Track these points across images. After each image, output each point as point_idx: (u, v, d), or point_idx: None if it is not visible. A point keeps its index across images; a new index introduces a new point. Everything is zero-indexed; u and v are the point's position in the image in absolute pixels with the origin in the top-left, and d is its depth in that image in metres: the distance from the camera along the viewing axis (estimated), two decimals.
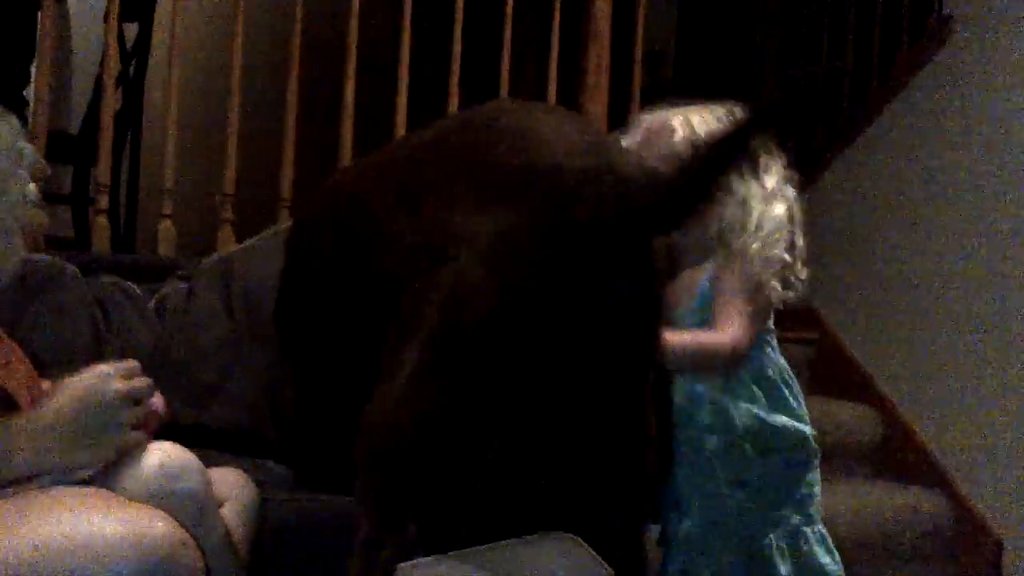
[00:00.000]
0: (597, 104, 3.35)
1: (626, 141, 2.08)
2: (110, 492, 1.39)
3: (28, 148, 1.65)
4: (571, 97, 3.39)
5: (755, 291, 1.96)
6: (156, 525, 1.32)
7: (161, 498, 1.41)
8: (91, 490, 1.39)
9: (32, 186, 1.66)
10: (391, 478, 1.43)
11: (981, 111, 3.72)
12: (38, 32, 2.77)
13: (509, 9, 3.33)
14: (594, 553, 1.49)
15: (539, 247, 1.39)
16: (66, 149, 3.95)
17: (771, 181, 2.02)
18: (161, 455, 1.49)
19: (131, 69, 4.19)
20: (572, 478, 1.58)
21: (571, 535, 1.51)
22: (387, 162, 1.64)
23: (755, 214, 1.99)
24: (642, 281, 1.46)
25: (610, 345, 1.48)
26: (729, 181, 1.70)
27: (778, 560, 2.01)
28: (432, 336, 1.39)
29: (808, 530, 2.07)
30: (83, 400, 1.43)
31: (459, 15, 3.24)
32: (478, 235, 1.40)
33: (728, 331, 1.91)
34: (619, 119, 3.60)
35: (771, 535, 2.01)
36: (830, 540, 2.10)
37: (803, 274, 2.07)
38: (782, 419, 2.04)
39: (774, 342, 2.08)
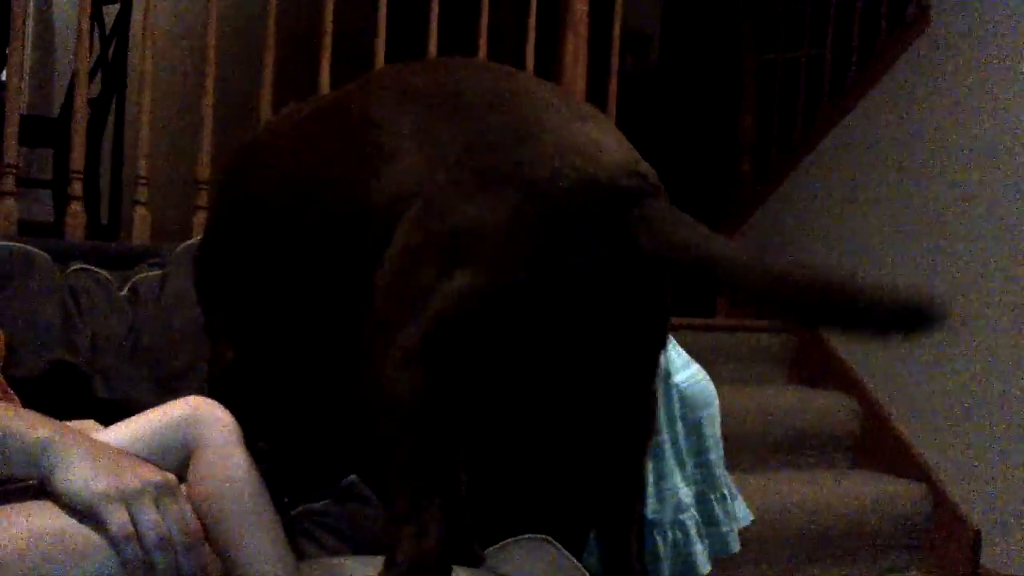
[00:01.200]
0: (576, 88, 3.34)
1: None
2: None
3: None
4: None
5: None
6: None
7: None
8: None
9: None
10: (413, 452, 1.40)
11: (960, 98, 3.73)
12: (12, 12, 2.74)
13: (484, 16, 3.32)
14: (567, 553, 1.49)
15: (546, 242, 1.38)
16: (46, 133, 3.94)
17: None
18: None
19: (111, 52, 4.19)
20: (572, 471, 1.59)
21: (544, 536, 1.51)
22: (405, 99, 1.55)
23: None
24: (638, 262, 1.43)
25: (623, 336, 1.48)
26: None
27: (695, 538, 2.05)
28: (437, 318, 1.37)
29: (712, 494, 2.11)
30: None
31: (435, 4, 3.24)
32: (490, 223, 1.38)
33: None
34: (598, 105, 3.62)
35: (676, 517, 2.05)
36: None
37: None
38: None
39: None
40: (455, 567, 1.38)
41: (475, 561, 1.71)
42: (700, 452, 2.15)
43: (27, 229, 2.90)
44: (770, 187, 4.49)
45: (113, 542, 1.19)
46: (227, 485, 1.39)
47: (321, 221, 1.57)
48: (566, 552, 1.78)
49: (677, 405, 2.11)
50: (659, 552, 2.07)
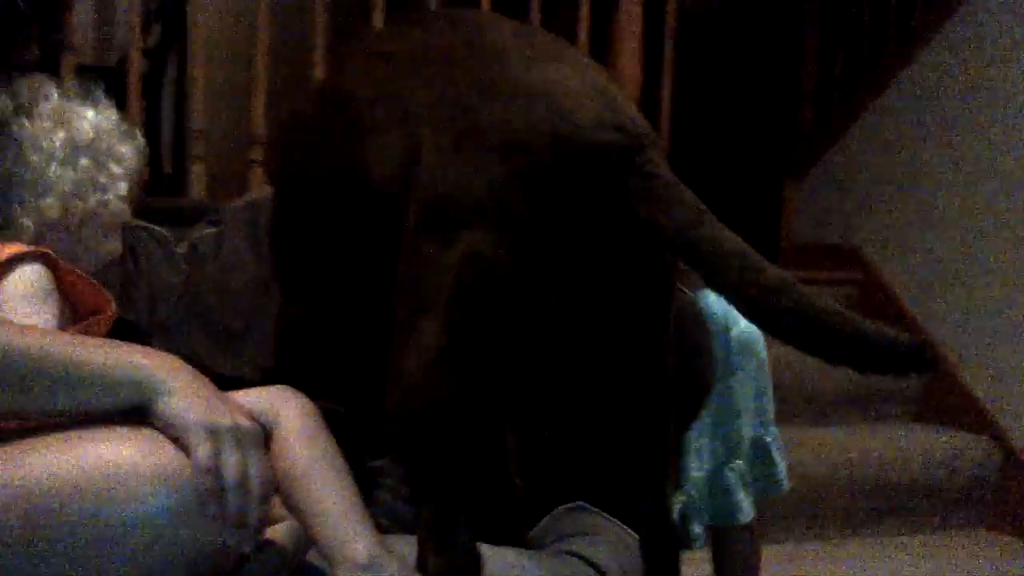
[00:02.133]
0: (631, 40, 3.30)
1: None
2: (155, 431, 1.29)
3: (129, 150, 1.70)
4: (603, 34, 3.34)
5: None
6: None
7: None
8: (131, 427, 1.28)
9: (124, 184, 1.70)
10: (437, 460, 1.40)
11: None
12: None
13: None
14: (608, 516, 1.49)
15: (553, 207, 1.36)
16: (108, 82, 3.95)
17: None
18: None
19: (168, 2, 4.19)
20: (597, 441, 1.58)
21: (581, 504, 1.50)
22: (371, 65, 1.56)
23: None
24: (651, 223, 1.40)
25: (628, 299, 1.46)
26: None
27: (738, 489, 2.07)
28: (448, 311, 1.35)
29: (770, 441, 2.11)
30: None
31: None
32: (489, 203, 1.36)
33: None
34: (655, 47, 3.59)
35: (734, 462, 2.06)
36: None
37: None
38: (707, 296, 2.05)
39: None
40: (506, 548, 1.38)
41: (522, 542, 1.71)
42: (757, 395, 2.15)
43: None
44: (832, 136, 4.40)
45: (195, 469, 1.21)
46: (308, 461, 1.38)
47: (343, 199, 1.57)
48: (607, 515, 1.78)
49: (736, 352, 2.12)
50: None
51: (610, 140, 1.35)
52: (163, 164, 4.05)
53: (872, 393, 3.78)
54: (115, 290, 2.25)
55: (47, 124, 1.63)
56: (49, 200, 1.63)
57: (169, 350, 2.20)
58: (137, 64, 2.87)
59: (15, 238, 1.60)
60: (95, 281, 1.67)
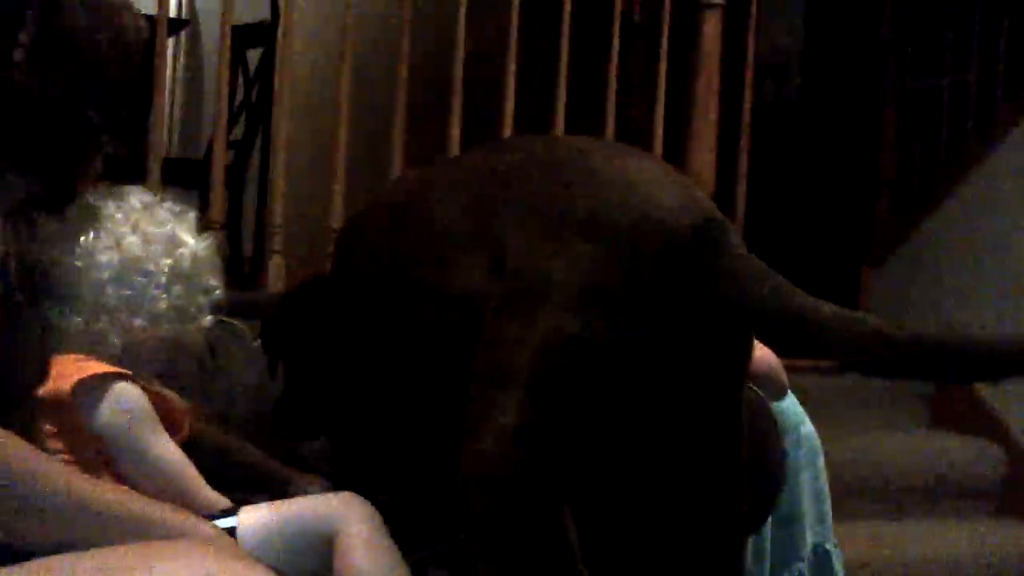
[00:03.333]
0: (706, 134, 3.32)
1: None
2: (202, 542, 1.31)
3: (216, 282, 1.71)
4: (679, 128, 3.37)
5: None
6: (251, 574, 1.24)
7: None
8: (180, 540, 1.31)
9: (207, 316, 1.71)
10: (509, 536, 1.41)
11: None
12: (155, 59, 2.83)
13: (616, 38, 3.33)
14: None
15: (636, 288, 1.38)
16: (191, 175, 4.06)
17: None
18: None
19: (253, 95, 4.31)
20: (666, 531, 1.58)
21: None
22: (456, 182, 1.60)
23: None
24: (738, 299, 1.41)
25: (705, 380, 1.47)
26: None
27: None
28: (533, 382, 1.38)
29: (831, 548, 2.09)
30: None
31: (564, 45, 3.25)
32: (575, 280, 1.39)
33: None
34: (731, 137, 3.60)
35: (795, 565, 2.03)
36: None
37: None
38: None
39: None
40: None
41: None
42: (819, 499, 2.13)
43: None
44: (911, 226, 4.36)
45: None
46: (370, 569, 1.40)
47: (406, 315, 1.60)
48: None
49: (804, 452, 2.11)
50: None
51: (690, 223, 1.39)
52: (243, 255, 4.13)
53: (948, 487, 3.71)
54: (192, 386, 2.31)
55: (156, 248, 1.64)
56: (139, 322, 1.63)
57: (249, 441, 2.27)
58: (221, 156, 2.95)
59: (93, 353, 1.61)
60: (167, 396, 1.69)
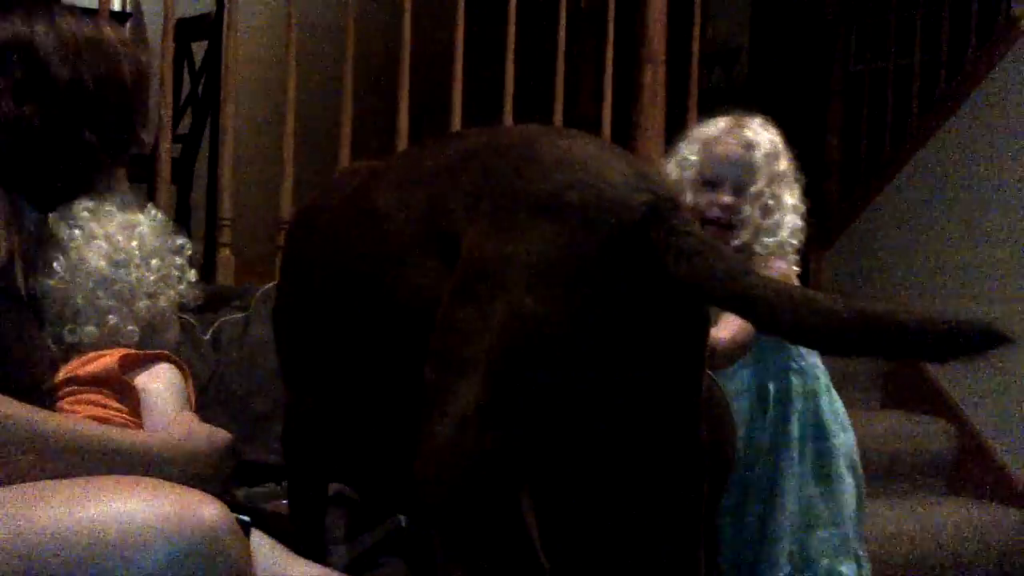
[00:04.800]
0: (654, 119, 3.34)
1: (685, 150, 2.15)
2: (160, 480, 1.35)
3: (183, 240, 1.84)
4: (627, 116, 3.38)
5: None
6: (203, 509, 1.27)
7: None
8: (136, 477, 1.36)
9: (192, 271, 1.84)
10: (471, 519, 1.40)
11: None
12: None
13: (562, 26, 3.34)
14: None
15: (592, 266, 1.38)
16: (139, 169, 4.03)
17: (797, 194, 2.16)
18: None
19: (200, 89, 4.27)
20: (622, 499, 1.58)
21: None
22: (404, 180, 1.60)
23: (798, 230, 2.12)
24: (692, 278, 1.42)
25: (664, 358, 1.48)
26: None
27: None
28: (492, 367, 1.37)
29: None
30: None
31: (511, 32, 3.25)
32: (530, 260, 1.38)
33: (727, 329, 1.96)
34: (678, 123, 3.62)
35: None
36: None
37: None
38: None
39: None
40: None
41: None
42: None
43: None
44: (858, 207, 4.42)
45: None
46: None
47: (359, 308, 1.59)
48: None
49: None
50: None
51: (642, 200, 1.38)
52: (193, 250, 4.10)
53: (901, 466, 3.75)
54: None
55: (119, 239, 1.74)
56: (142, 303, 1.74)
57: None
58: (167, 150, 2.93)
59: (120, 345, 1.71)
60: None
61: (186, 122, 4.18)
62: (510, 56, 3.25)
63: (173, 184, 3.27)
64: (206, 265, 3.75)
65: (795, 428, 2.13)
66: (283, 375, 1.98)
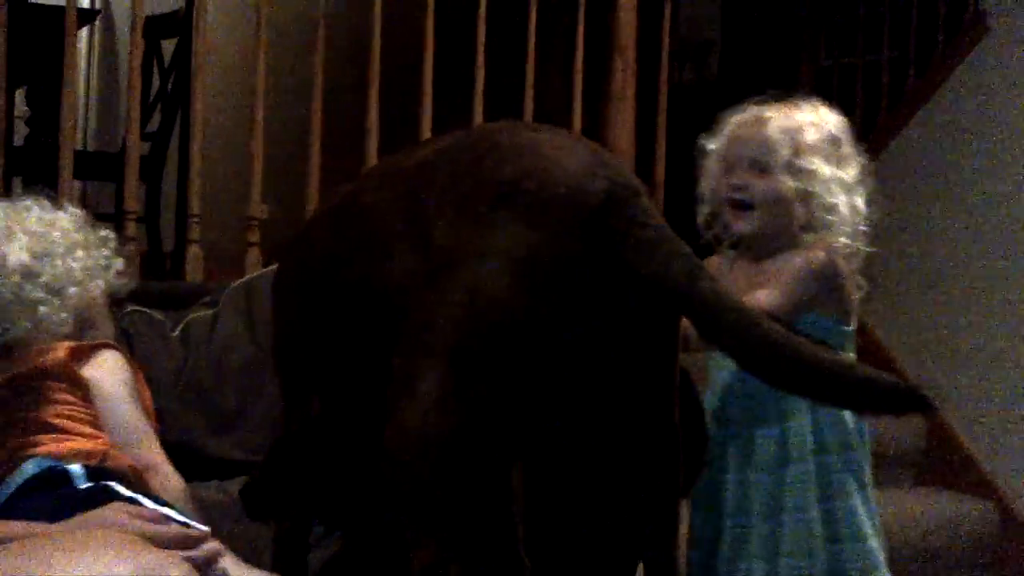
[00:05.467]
0: (624, 113, 3.34)
1: (714, 144, 2.07)
2: (136, 537, 1.36)
3: (106, 232, 1.88)
4: (596, 108, 3.39)
5: (817, 279, 1.91)
6: (171, 570, 1.29)
7: None
8: (117, 533, 1.37)
9: (119, 260, 1.88)
10: (436, 505, 1.41)
11: (1022, 107, 3.65)
12: (65, 51, 2.80)
13: (533, 23, 3.34)
14: None
15: (549, 252, 1.39)
16: (109, 168, 4.01)
17: (852, 171, 2.02)
18: None
19: (169, 85, 4.26)
20: (601, 482, 1.59)
21: None
22: (386, 182, 1.62)
23: (841, 206, 1.98)
24: (647, 274, 1.42)
25: (632, 342, 1.48)
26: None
27: None
28: (453, 349, 1.39)
29: None
30: None
31: (481, 29, 3.25)
32: (489, 247, 1.40)
33: (766, 297, 1.84)
34: (648, 119, 3.63)
35: None
36: None
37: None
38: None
39: (851, 345, 2.00)
40: None
41: None
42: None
43: None
44: None
45: None
46: None
47: (353, 308, 1.60)
48: None
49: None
50: None
51: (600, 187, 1.39)
52: (163, 245, 4.09)
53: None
54: None
55: (40, 232, 1.77)
56: (71, 290, 1.76)
57: (165, 436, 2.24)
58: (136, 148, 2.92)
59: (58, 336, 1.74)
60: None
61: (156, 119, 4.17)
62: (480, 49, 3.25)
63: (143, 181, 3.26)
64: (175, 261, 3.75)
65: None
66: (283, 393, 1.97)
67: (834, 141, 2.03)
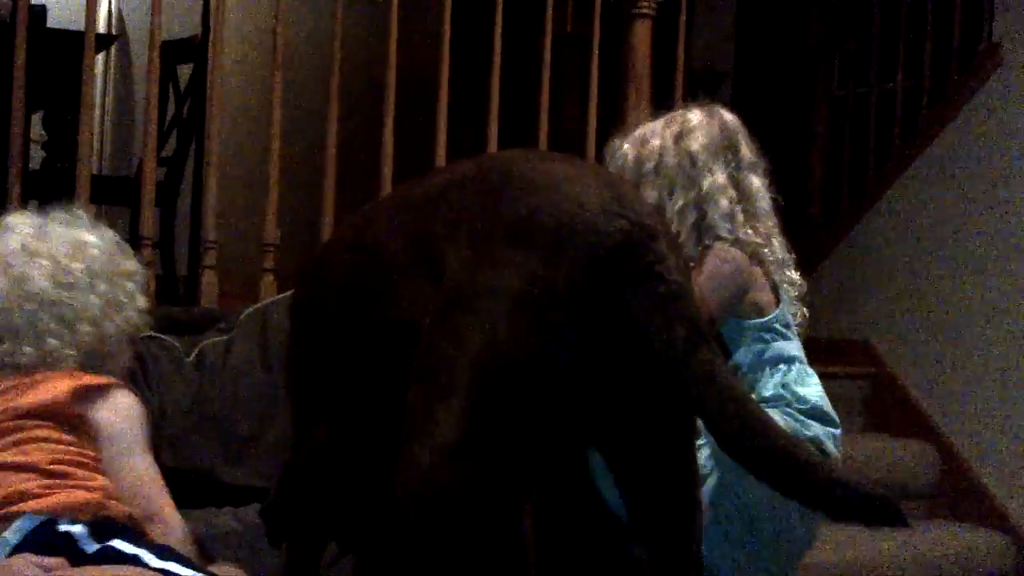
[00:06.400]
0: None
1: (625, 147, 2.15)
2: None
3: (134, 264, 1.82)
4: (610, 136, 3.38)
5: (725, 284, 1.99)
6: None
7: None
8: None
9: (143, 298, 1.82)
10: (450, 549, 1.39)
11: None
12: (83, 75, 2.81)
13: (547, 52, 3.35)
14: None
15: (565, 292, 1.38)
16: (124, 192, 4.02)
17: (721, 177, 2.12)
18: None
19: (185, 111, 4.27)
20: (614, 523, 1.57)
21: None
22: (397, 211, 1.61)
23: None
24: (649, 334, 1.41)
25: (647, 379, 1.46)
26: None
27: None
28: (470, 393, 1.37)
29: None
30: None
31: (496, 58, 3.26)
32: (505, 288, 1.38)
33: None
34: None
35: None
36: None
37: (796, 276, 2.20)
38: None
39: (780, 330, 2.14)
40: None
41: None
42: None
43: None
44: (841, 231, 4.42)
45: None
46: None
47: (364, 338, 1.60)
48: None
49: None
50: None
51: (617, 227, 1.37)
52: (177, 270, 4.09)
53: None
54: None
55: (65, 260, 1.71)
56: (84, 328, 1.70)
57: (178, 463, 2.23)
58: (151, 172, 2.92)
59: (59, 368, 1.67)
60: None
61: (171, 145, 4.18)
62: (495, 79, 3.25)
63: (157, 207, 3.26)
64: (189, 286, 3.76)
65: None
66: (293, 419, 1.96)
67: (708, 146, 2.18)
